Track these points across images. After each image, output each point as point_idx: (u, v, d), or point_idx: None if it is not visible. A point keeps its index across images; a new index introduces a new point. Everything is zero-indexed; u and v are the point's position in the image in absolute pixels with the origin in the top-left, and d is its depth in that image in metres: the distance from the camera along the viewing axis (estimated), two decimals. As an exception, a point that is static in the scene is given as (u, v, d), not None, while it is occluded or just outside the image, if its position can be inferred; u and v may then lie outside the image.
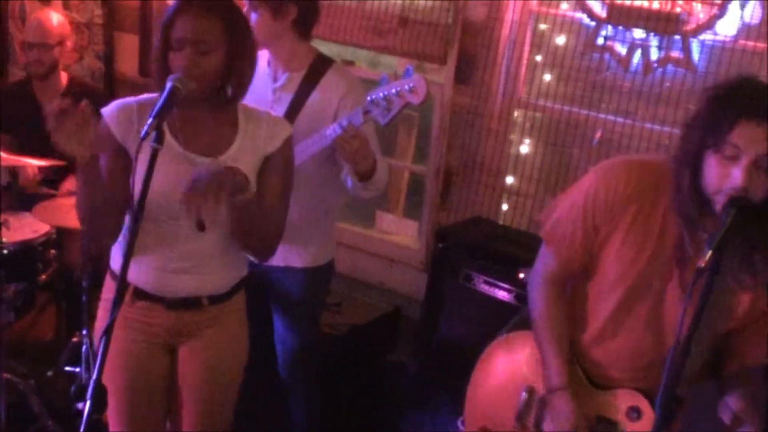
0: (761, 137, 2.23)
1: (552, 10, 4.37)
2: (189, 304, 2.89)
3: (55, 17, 5.01)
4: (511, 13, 4.38)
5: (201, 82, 2.65)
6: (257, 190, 2.78)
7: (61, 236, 4.54)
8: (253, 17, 3.34)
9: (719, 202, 2.30)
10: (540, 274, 2.78)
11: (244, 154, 2.80)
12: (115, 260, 2.92)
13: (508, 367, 2.89)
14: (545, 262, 2.77)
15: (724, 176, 2.28)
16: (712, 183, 2.31)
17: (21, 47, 5.06)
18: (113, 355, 2.60)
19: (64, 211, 4.21)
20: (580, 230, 2.62)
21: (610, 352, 2.69)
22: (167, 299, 2.87)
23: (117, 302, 2.36)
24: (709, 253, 2.20)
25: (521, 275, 3.86)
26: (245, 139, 2.82)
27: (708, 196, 2.34)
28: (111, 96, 5.47)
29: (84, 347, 4.35)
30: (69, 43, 5.11)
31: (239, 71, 2.74)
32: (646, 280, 2.55)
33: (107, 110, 2.87)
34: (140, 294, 2.87)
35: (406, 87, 3.09)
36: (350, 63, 5.11)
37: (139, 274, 2.84)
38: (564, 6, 4.36)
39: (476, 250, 4.13)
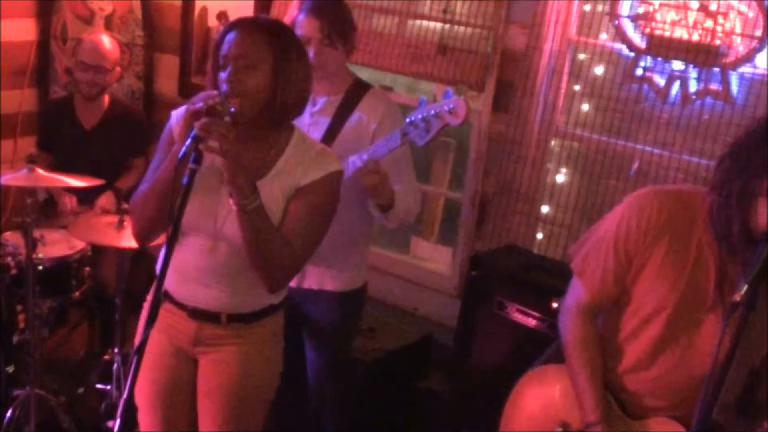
0: None
1: (591, 40, 4.36)
2: (208, 317, 2.91)
3: (108, 41, 5.10)
4: (550, 43, 4.37)
5: (243, 98, 2.66)
6: (282, 216, 2.79)
7: (95, 254, 4.57)
8: (326, 51, 3.40)
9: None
10: (571, 306, 2.76)
11: (277, 181, 2.79)
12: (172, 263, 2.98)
13: (542, 400, 2.86)
14: (576, 294, 2.75)
15: None
16: (762, 222, 2.31)
17: (75, 67, 5.11)
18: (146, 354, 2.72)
19: (100, 228, 4.25)
20: (611, 262, 2.62)
21: (645, 382, 2.67)
22: (189, 307, 2.92)
23: (150, 319, 2.38)
24: (745, 287, 2.19)
25: (554, 305, 3.83)
26: (285, 166, 2.80)
27: (757, 237, 2.33)
28: (149, 117, 5.54)
29: (115, 365, 4.38)
30: (119, 69, 5.19)
31: (283, 91, 2.71)
32: (684, 311, 2.54)
33: (176, 113, 2.92)
34: (168, 296, 2.94)
35: (446, 108, 3.09)
36: (388, 89, 5.12)
37: (169, 278, 2.84)
38: (603, 36, 4.34)
39: (510, 278, 4.10)
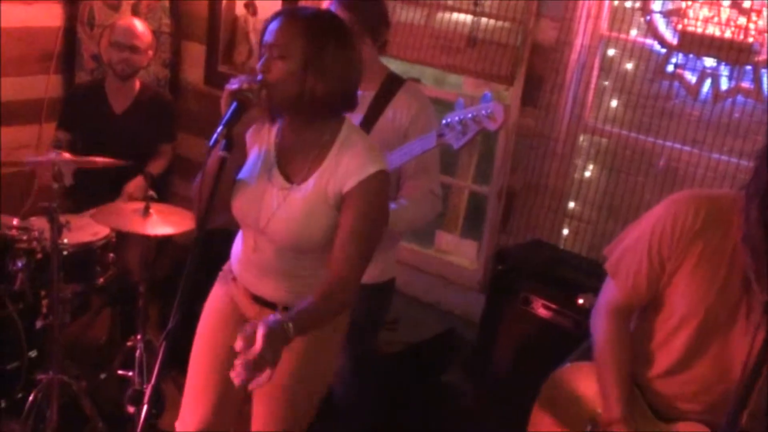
0: None
1: (622, 36, 4.33)
2: (267, 304, 2.92)
3: (141, 25, 5.20)
4: (581, 37, 4.34)
5: (273, 87, 2.66)
6: (327, 219, 2.76)
7: (120, 240, 4.57)
8: None
9: None
10: (603, 306, 2.77)
11: (321, 185, 2.75)
12: (235, 244, 3.03)
13: (575, 397, 2.85)
14: (609, 294, 2.75)
15: None
16: None
17: (109, 49, 5.14)
18: (211, 317, 3.04)
19: (125, 215, 4.24)
20: (645, 264, 2.61)
21: (676, 385, 2.67)
22: (251, 292, 2.95)
23: (181, 306, 2.37)
24: None
25: (580, 301, 3.81)
26: (326, 172, 2.75)
27: None
28: (177, 105, 5.55)
29: (138, 352, 4.38)
30: (151, 52, 5.22)
31: (315, 83, 2.66)
32: (717, 315, 2.53)
33: None
34: (237, 281, 2.99)
35: (483, 112, 3.07)
36: (416, 80, 5.10)
37: (237, 263, 2.98)
38: (634, 32, 4.31)
39: (536, 273, 4.08)
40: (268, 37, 2.68)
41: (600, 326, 2.75)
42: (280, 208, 2.77)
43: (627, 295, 2.69)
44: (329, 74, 2.67)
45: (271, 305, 2.90)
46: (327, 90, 2.68)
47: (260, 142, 2.88)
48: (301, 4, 5.13)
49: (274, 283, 2.88)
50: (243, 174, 2.84)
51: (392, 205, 3.34)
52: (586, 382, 2.80)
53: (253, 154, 2.88)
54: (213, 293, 3.11)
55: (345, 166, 2.73)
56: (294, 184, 2.78)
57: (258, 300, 2.94)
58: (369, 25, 3.43)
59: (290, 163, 2.82)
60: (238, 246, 2.99)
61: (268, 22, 2.73)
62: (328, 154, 2.77)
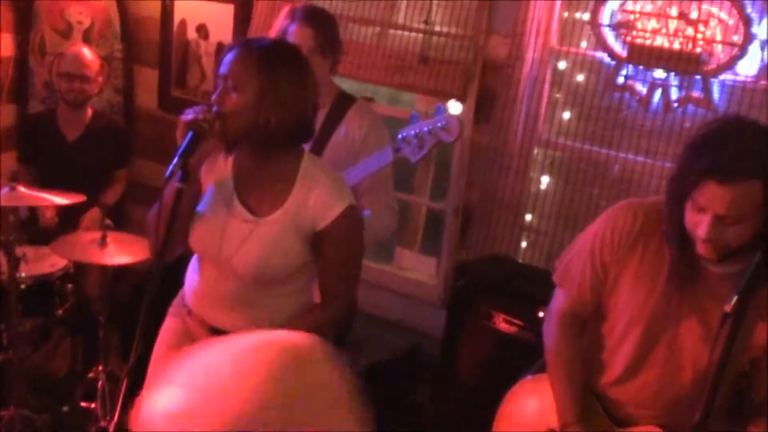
0: (723, 198, 2.27)
1: (572, 49, 4.37)
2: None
3: (89, 53, 5.18)
4: (531, 52, 4.38)
5: (227, 119, 2.65)
6: (316, 259, 2.81)
7: (78, 271, 4.54)
8: (316, 61, 3.34)
9: (696, 244, 2.38)
10: (553, 314, 2.84)
11: (287, 222, 2.76)
12: (187, 277, 3.00)
13: (534, 409, 2.88)
14: (557, 303, 2.83)
15: (694, 225, 2.36)
16: (688, 226, 2.39)
17: (58, 78, 5.13)
18: (163, 353, 2.97)
19: (83, 245, 4.20)
20: (588, 271, 2.68)
21: (630, 391, 2.70)
22: (208, 325, 2.91)
23: (142, 341, 2.38)
24: (735, 298, 2.22)
25: (541, 314, 3.83)
26: (293, 206, 2.76)
27: (691, 239, 2.41)
28: (131, 130, 5.53)
29: (100, 383, 4.34)
30: (101, 79, 5.21)
31: (269, 115, 2.64)
32: (661, 319, 2.58)
33: None
34: (190, 311, 2.95)
35: (439, 125, 3.09)
36: (370, 99, 5.10)
37: (193, 297, 2.93)
38: (584, 44, 4.36)
39: (495, 288, 4.11)
40: (223, 69, 2.67)
41: (550, 333, 2.82)
42: (247, 241, 2.75)
43: (573, 302, 2.76)
44: (284, 105, 2.66)
45: None
46: (282, 121, 2.66)
47: (216, 173, 2.85)
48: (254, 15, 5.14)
49: (233, 313, 2.85)
50: (201, 206, 2.81)
51: None
52: (543, 395, 2.83)
53: (210, 186, 2.85)
54: (165, 327, 3.06)
55: (314, 203, 2.74)
56: (259, 217, 2.77)
57: (215, 331, 2.87)
58: (328, 43, 3.45)
59: (251, 195, 2.80)
60: (192, 277, 2.95)
61: (224, 53, 2.72)
62: (293, 188, 2.76)
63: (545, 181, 4.57)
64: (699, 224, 2.34)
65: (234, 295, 2.84)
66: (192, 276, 2.95)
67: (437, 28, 4.69)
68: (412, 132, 3.15)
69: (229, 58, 2.67)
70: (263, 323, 2.83)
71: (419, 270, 5.10)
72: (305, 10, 3.49)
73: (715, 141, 2.32)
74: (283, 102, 2.66)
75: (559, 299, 2.82)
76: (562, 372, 2.75)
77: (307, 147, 3.39)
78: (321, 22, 3.45)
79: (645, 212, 2.60)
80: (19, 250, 4.03)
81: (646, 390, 2.66)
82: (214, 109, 2.65)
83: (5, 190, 4.02)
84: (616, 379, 2.71)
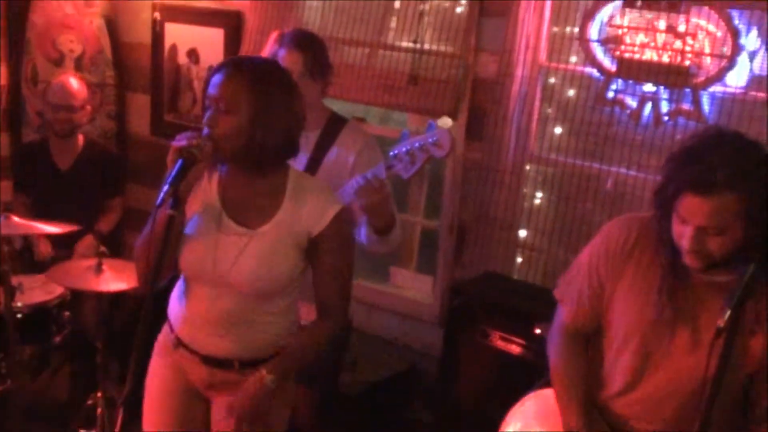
0: (702, 210, 2.31)
1: (562, 65, 4.38)
2: (221, 363, 2.88)
3: (76, 82, 5.19)
4: (521, 69, 4.38)
5: (221, 141, 2.65)
6: (312, 268, 2.86)
7: (75, 298, 4.55)
8: (307, 85, 3.36)
9: (682, 254, 2.43)
10: (555, 330, 2.87)
11: (280, 232, 2.78)
12: (172, 308, 2.98)
13: (540, 423, 2.88)
14: (559, 319, 2.86)
15: (679, 236, 2.40)
16: (675, 238, 2.44)
17: (46, 109, 5.16)
18: (156, 393, 2.94)
19: (78, 273, 4.21)
20: (585, 286, 2.73)
21: (631, 404, 2.71)
22: (201, 354, 2.89)
23: (137, 368, 2.38)
24: (728, 312, 2.23)
25: (537, 330, 3.84)
26: (285, 216, 2.78)
27: (680, 250, 2.45)
28: (125, 156, 5.54)
29: (99, 409, 4.34)
30: (89, 107, 5.21)
31: (263, 135, 2.66)
32: (656, 331, 2.59)
33: None
34: (181, 342, 2.92)
35: (430, 140, 3.10)
36: (361, 120, 5.12)
37: (182, 325, 2.90)
38: (573, 59, 4.37)
39: (491, 305, 4.11)
40: (213, 91, 2.66)
41: (553, 347, 2.85)
42: (243, 253, 2.76)
43: (574, 317, 2.79)
44: (276, 126, 2.68)
45: (222, 363, 2.88)
46: (274, 141, 2.69)
47: (201, 194, 2.84)
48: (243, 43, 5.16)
49: (228, 336, 2.85)
50: (188, 229, 2.80)
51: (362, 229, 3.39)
52: (546, 410, 2.84)
53: (194, 208, 2.83)
54: (152, 369, 3.01)
55: (308, 210, 2.78)
56: (251, 229, 2.78)
57: (208, 361, 2.89)
58: (318, 67, 3.47)
59: (240, 211, 2.80)
60: (179, 307, 2.93)
61: (212, 74, 2.71)
62: (284, 198, 2.79)
63: (538, 196, 4.57)
64: (683, 235, 2.38)
65: (229, 315, 2.83)
66: (179, 304, 2.93)
67: (426, 47, 4.70)
68: (404, 149, 3.16)
69: (218, 79, 2.66)
70: (256, 344, 2.87)
71: (415, 289, 5.10)
72: (294, 35, 3.51)
73: (693, 153, 2.36)
74: (275, 123, 2.68)
75: (561, 315, 2.85)
76: (565, 383, 2.76)
77: (301, 168, 3.44)
78: (310, 47, 3.47)
79: (639, 226, 2.63)
80: (15, 280, 4.03)
81: (647, 402, 2.67)
82: (206, 131, 2.65)
83: (-2, 220, 4.04)
84: (617, 392, 2.72)
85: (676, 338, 2.57)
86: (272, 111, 2.67)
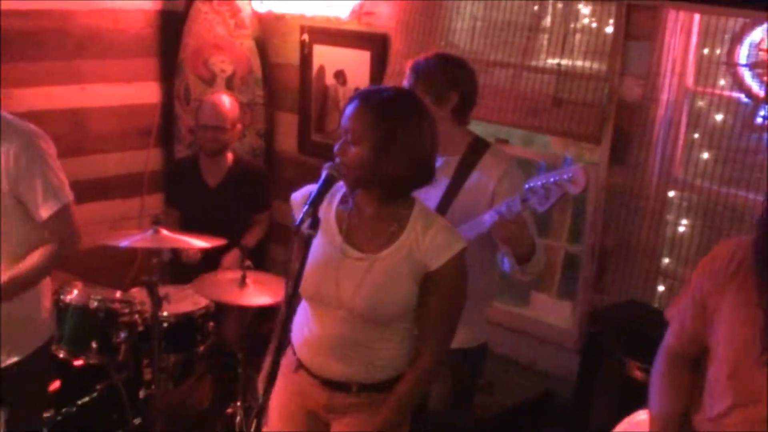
0: None
1: (708, 89, 4.29)
2: (340, 386, 2.94)
3: (228, 101, 5.35)
4: (666, 93, 4.32)
5: (348, 170, 2.74)
6: (420, 303, 2.86)
7: (219, 310, 4.67)
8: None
9: None
10: (661, 351, 2.89)
11: (400, 258, 2.82)
12: (294, 331, 3.05)
13: None
14: (666, 340, 2.88)
15: None
16: None
17: (197, 128, 5.38)
18: (276, 414, 3.02)
19: (223, 285, 4.34)
20: (690, 307, 2.74)
21: (734, 426, 2.64)
22: (320, 377, 2.95)
23: (269, 384, 2.45)
24: None
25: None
26: (407, 243, 2.82)
27: None
28: (270, 174, 5.67)
29: (238, 418, 4.45)
30: (239, 126, 5.37)
31: (387, 166, 2.72)
32: (758, 350, 2.53)
33: (296, 194, 3.00)
34: (302, 365, 2.99)
35: (565, 177, 3.07)
36: (504, 141, 5.13)
37: (302, 348, 2.98)
38: (721, 83, 4.27)
39: (630, 334, 4.05)
40: (344, 122, 2.76)
41: (655, 368, 2.88)
42: (366, 277, 2.81)
43: (678, 337, 2.81)
44: (401, 156, 2.73)
45: (342, 386, 2.93)
46: (399, 172, 2.74)
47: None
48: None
49: (348, 360, 2.90)
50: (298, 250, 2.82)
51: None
52: None
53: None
54: (276, 390, 3.00)
55: (430, 242, 2.80)
56: (372, 254, 2.83)
57: (328, 384, 2.95)
58: (432, 91, 3.42)
59: (360, 236, 2.86)
60: (301, 330, 2.99)
61: (346, 104, 2.80)
62: (406, 227, 2.83)
63: (683, 224, 4.48)
64: None
65: (349, 338, 2.88)
66: (301, 329, 3.00)
67: (571, 69, 4.68)
68: (539, 183, 3.14)
69: (348, 111, 2.75)
70: (374, 368, 2.92)
71: (555, 314, 5.06)
72: (415, 64, 3.50)
73: None
74: (399, 155, 2.73)
75: (668, 336, 2.86)
76: (659, 402, 2.80)
77: (440, 193, 3.45)
78: (421, 72, 3.46)
79: (745, 248, 2.59)
80: (162, 290, 4.17)
81: (749, 425, 2.59)
82: (336, 160, 2.74)
83: (148, 232, 4.19)
84: (717, 414, 2.67)
85: None
86: (396, 143, 2.71)
